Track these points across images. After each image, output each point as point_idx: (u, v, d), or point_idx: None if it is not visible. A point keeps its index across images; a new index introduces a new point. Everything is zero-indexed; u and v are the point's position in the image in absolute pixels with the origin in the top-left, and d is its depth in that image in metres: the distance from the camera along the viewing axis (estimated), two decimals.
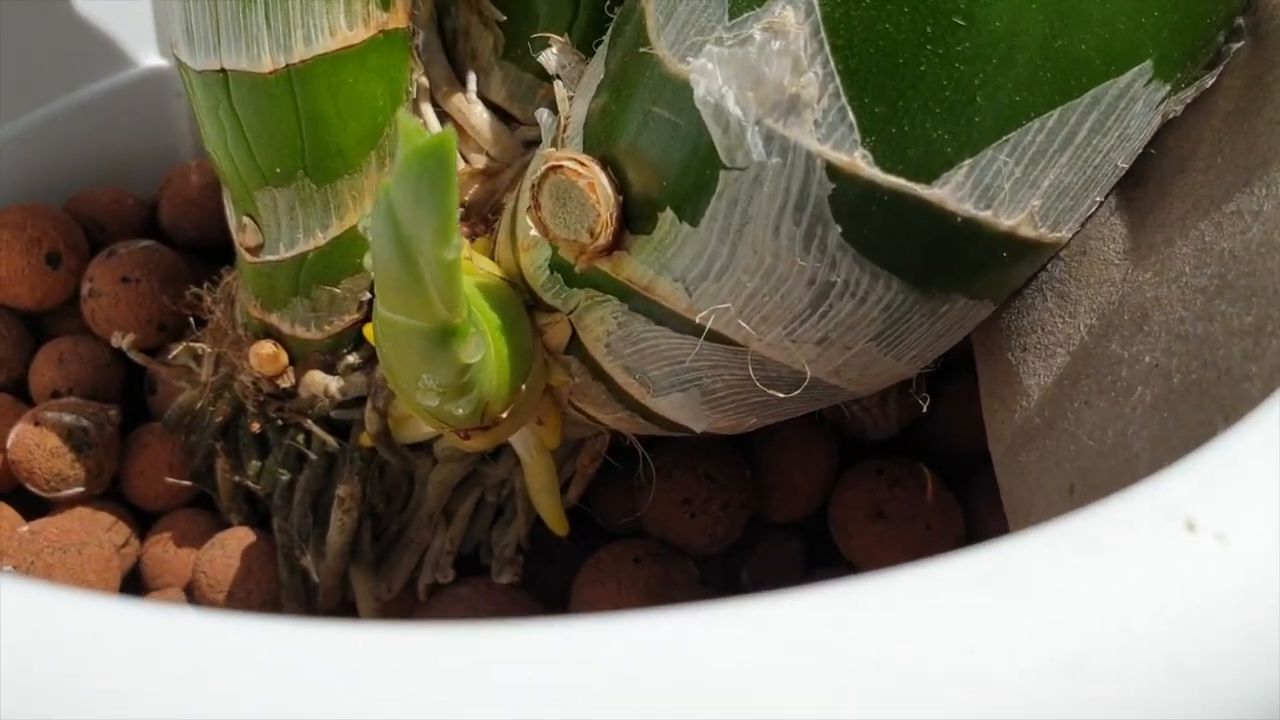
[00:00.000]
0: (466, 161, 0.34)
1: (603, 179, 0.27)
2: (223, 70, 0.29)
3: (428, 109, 0.33)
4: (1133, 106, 0.25)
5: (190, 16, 0.29)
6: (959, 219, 0.25)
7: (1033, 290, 0.29)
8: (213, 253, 0.43)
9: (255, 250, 0.32)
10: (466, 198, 0.33)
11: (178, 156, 0.47)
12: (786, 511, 0.40)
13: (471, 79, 0.33)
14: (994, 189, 0.25)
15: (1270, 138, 0.26)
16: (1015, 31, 0.23)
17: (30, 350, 0.40)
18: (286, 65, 0.28)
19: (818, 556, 0.41)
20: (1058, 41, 0.23)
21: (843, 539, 0.39)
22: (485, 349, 0.25)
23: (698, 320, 0.27)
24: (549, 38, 0.30)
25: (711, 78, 0.25)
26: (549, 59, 0.30)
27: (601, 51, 0.29)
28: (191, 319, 0.37)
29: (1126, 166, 0.26)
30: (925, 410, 0.31)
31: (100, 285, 0.39)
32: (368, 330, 0.33)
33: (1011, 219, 0.25)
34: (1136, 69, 0.24)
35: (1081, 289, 0.29)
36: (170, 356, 0.37)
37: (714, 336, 0.27)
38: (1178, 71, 0.25)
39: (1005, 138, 0.24)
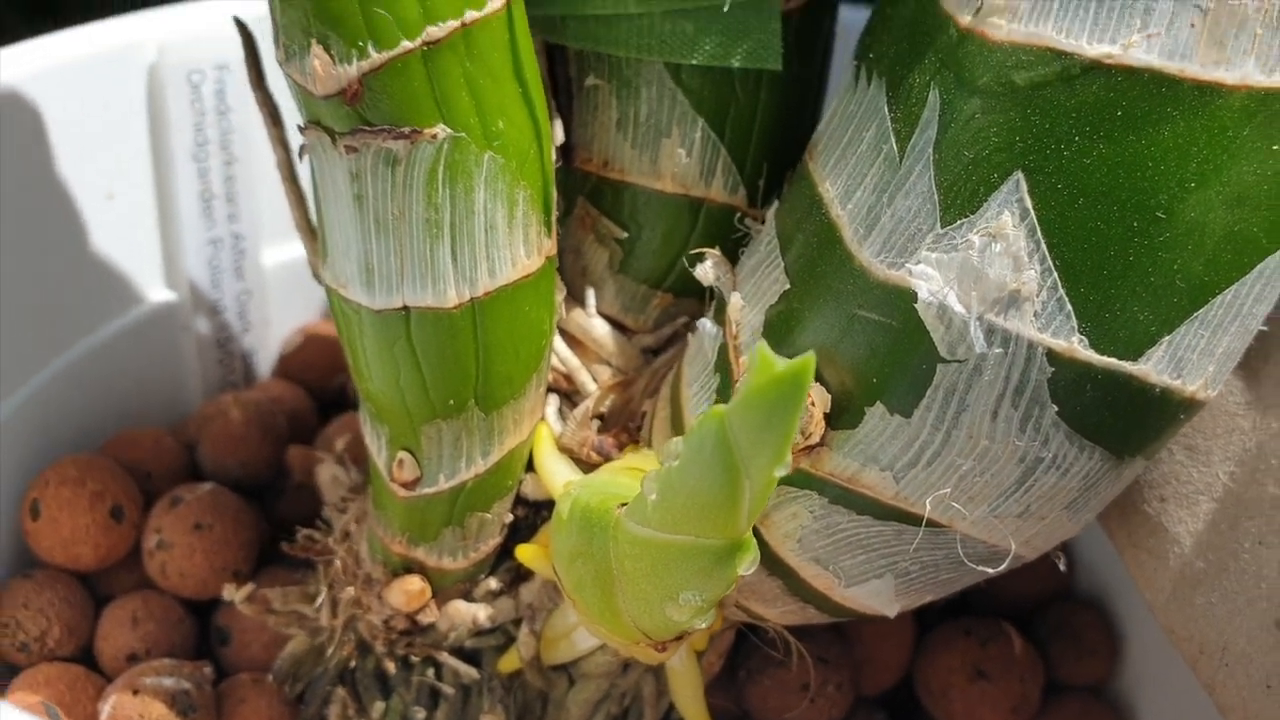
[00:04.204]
0: (594, 378, 0.34)
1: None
2: (405, 308, 0.29)
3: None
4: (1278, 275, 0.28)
5: (371, 258, 0.29)
6: (1158, 389, 0.27)
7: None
8: (254, 491, 0.41)
9: (411, 484, 0.31)
10: (604, 409, 0.34)
11: (189, 390, 0.45)
12: (878, 683, 0.41)
13: (590, 295, 0.34)
14: (1185, 360, 0.27)
15: None
16: (1205, 220, 0.26)
17: (93, 614, 0.37)
18: (471, 298, 0.29)
19: None
20: (1236, 226, 0.26)
21: (941, 703, 0.40)
22: (758, 559, 0.25)
23: (905, 505, 0.28)
24: (704, 252, 0.31)
25: (933, 281, 0.26)
26: (705, 272, 0.31)
27: (761, 262, 0.31)
28: (308, 561, 0.35)
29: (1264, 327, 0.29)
30: (1063, 568, 0.33)
31: (170, 536, 0.37)
32: (522, 552, 0.33)
33: (1193, 385, 0.28)
34: None
35: (1209, 440, 0.32)
36: (271, 600, 0.35)
37: (926, 521, 0.29)
38: None
39: (1195, 314, 0.27)
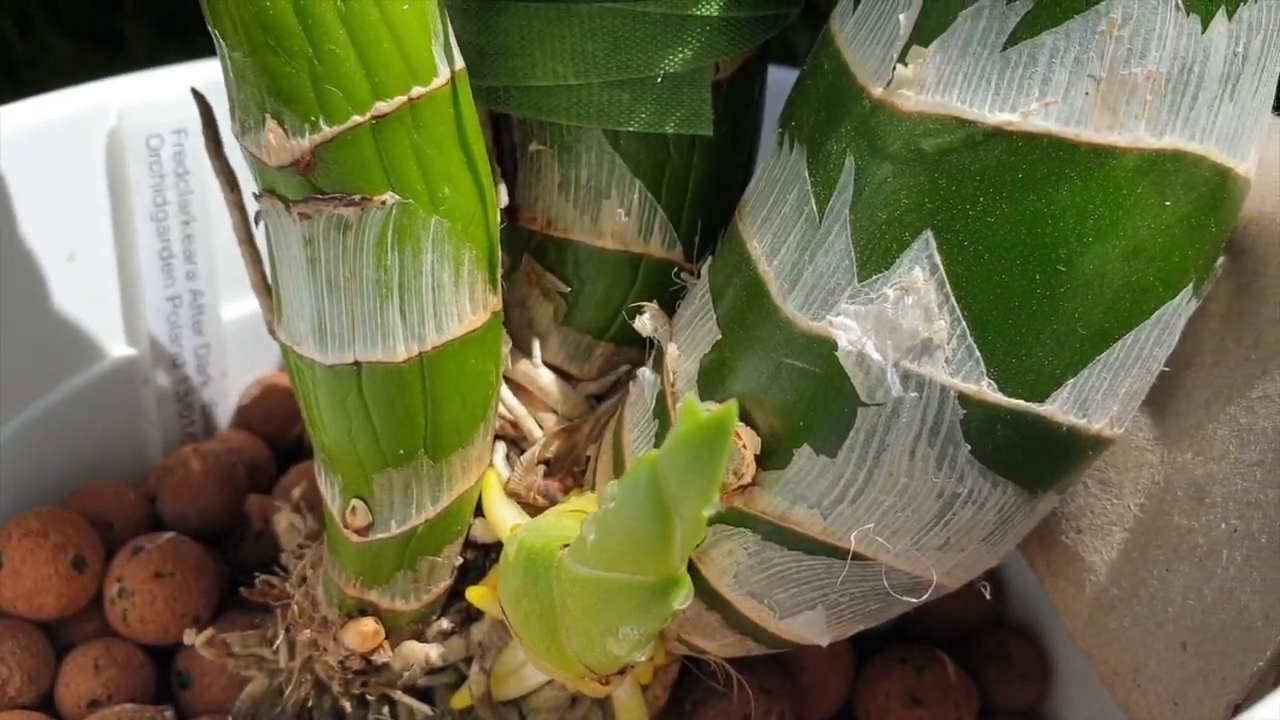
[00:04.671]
0: (539, 425, 0.36)
1: (742, 425, 0.30)
2: (355, 363, 0.30)
3: None
4: (1179, 319, 0.30)
5: (324, 316, 0.30)
6: (1064, 428, 0.29)
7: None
8: (215, 538, 0.43)
9: (364, 530, 0.33)
10: (550, 455, 0.35)
11: (151, 442, 0.47)
12: (819, 711, 0.42)
13: (536, 346, 0.36)
14: (1089, 401, 0.29)
15: (1272, 334, 0.31)
16: (1104, 271, 0.28)
17: (54, 661, 0.38)
18: (420, 353, 0.30)
19: None
20: (1133, 276, 0.28)
21: None
22: (691, 595, 0.27)
23: (832, 540, 0.30)
24: (643, 306, 0.33)
25: (851, 331, 0.28)
26: (644, 324, 0.33)
27: (695, 314, 0.32)
28: (263, 605, 0.36)
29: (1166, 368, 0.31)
30: (988, 595, 0.35)
31: (131, 584, 0.38)
32: (472, 594, 0.34)
33: (1099, 424, 0.30)
34: (1185, 289, 0.29)
35: (1121, 474, 0.34)
36: (231, 645, 0.36)
37: (844, 553, 0.30)
38: (1205, 285, 0.31)
39: (1097, 358, 0.29)
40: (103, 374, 0.45)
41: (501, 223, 0.33)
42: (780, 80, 0.37)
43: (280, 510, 0.39)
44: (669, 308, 0.34)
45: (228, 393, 0.49)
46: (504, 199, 0.34)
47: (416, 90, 0.29)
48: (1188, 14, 0.27)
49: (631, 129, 0.33)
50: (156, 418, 0.47)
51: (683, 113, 0.33)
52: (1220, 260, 0.32)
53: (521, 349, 0.36)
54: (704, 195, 0.35)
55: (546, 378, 0.36)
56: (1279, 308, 0.31)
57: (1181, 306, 0.30)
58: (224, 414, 0.49)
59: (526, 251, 0.36)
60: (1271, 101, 0.30)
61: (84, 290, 0.44)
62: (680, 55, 0.33)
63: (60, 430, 0.43)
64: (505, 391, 0.36)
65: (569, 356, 0.36)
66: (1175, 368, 0.33)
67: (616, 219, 0.35)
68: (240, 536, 0.43)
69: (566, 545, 0.28)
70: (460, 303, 0.31)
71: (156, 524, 0.43)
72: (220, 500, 0.43)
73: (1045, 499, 0.31)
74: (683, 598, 0.27)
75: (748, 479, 0.30)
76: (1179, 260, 0.29)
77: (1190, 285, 0.30)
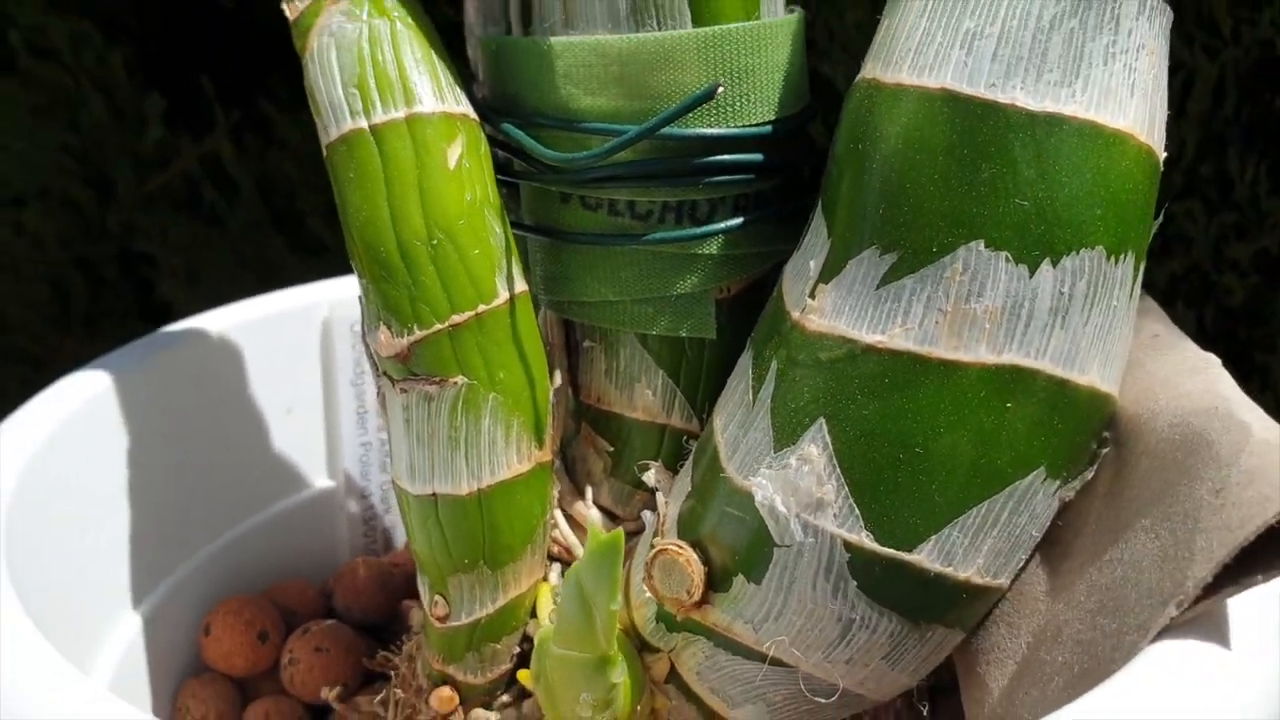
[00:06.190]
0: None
1: (694, 556, 0.40)
2: (434, 494, 0.43)
3: (559, 514, 0.47)
4: (1035, 496, 0.38)
5: (414, 460, 0.43)
6: (931, 574, 0.38)
7: (990, 621, 0.42)
8: (373, 629, 0.56)
9: (444, 619, 0.45)
10: None
11: (339, 553, 0.61)
12: None
13: (588, 491, 0.48)
14: (953, 553, 0.38)
15: (1129, 511, 0.39)
16: (955, 455, 0.37)
17: (240, 708, 0.52)
18: (478, 489, 0.43)
19: None
20: (982, 459, 0.37)
21: None
22: (625, 672, 0.38)
23: (764, 650, 0.40)
24: (648, 464, 0.44)
25: (767, 489, 0.39)
26: (649, 477, 0.44)
27: (685, 471, 0.43)
28: (386, 674, 0.49)
29: (1040, 535, 0.40)
30: (925, 713, 0.43)
31: (298, 655, 0.52)
32: (522, 675, 0.46)
33: (966, 572, 0.38)
34: (1035, 472, 0.38)
35: (1021, 619, 0.42)
36: (360, 705, 0.49)
37: (775, 661, 0.40)
38: (1065, 470, 0.39)
39: (955, 521, 0.38)
40: (308, 499, 0.59)
41: (563, 399, 0.45)
42: None
43: (412, 609, 0.52)
44: None
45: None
46: (557, 381, 0.46)
47: (482, 307, 0.42)
48: (1016, 264, 0.37)
49: (655, 333, 0.45)
50: (346, 536, 0.61)
51: (693, 322, 0.45)
52: (1105, 450, 0.40)
53: (579, 493, 0.48)
54: (714, 379, 0.46)
55: (595, 516, 0.47)
56: (1139, 491, 0.39)
57: (1036, 485, 0.38)
58: (400, 537, 0.63)
59: (584, 420, 0.48)
60: (1122, 324, 0.39)
61: (298, 436, 0.59)
62: (689, 281, 0.44)
63: (271, 539, 0.58)
64: (564, 524, 0.47)
65: (614, 501, 0.48)
66: (1069, 534, 0.41)
67: (646, 398, 0.46)
68: (395, 629, 0.56)
69: None
70: (509, 455, 0.43)
71: (330, 614, 0.56)
72: (378, 600, 0.56)
73: (935, 629, 0.40)
74: (617, 672, 0.37)
75: (697, 597, 0.40)
76: (1024, 449, 0.38)
77: (1042, 468, 0.38)
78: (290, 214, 1.11)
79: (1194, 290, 0.89)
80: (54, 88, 1.15)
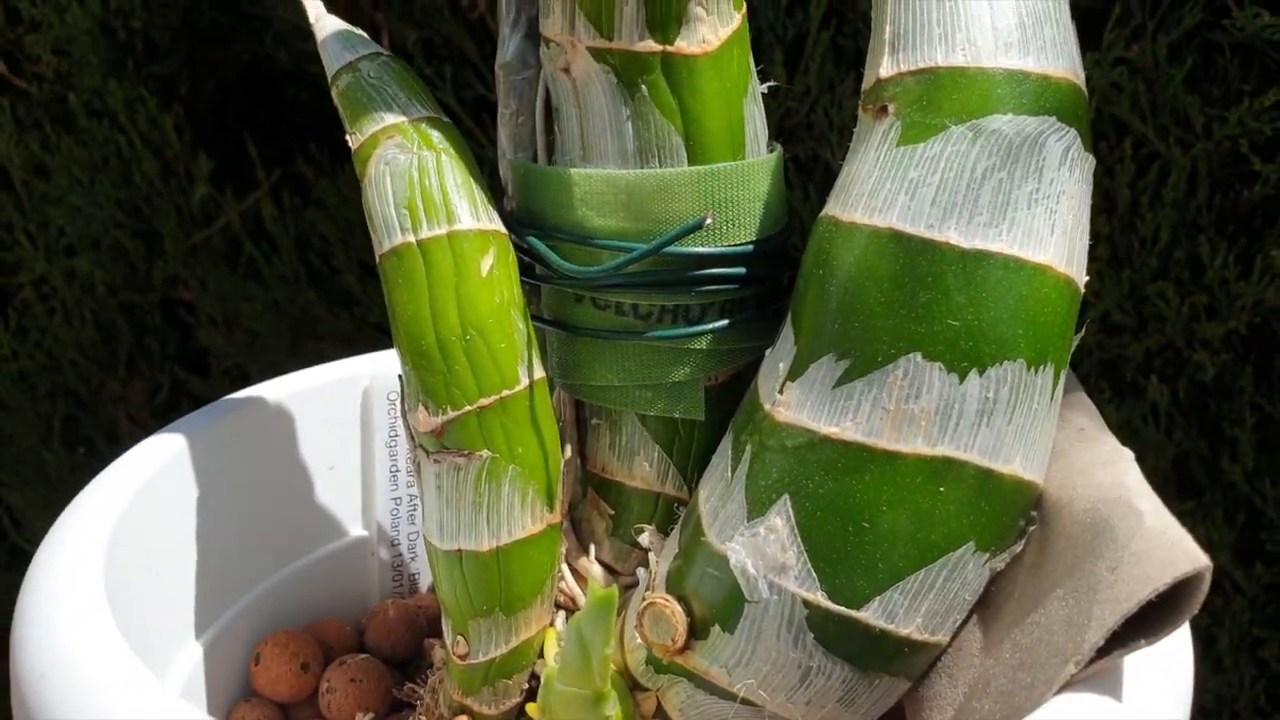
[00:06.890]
0: None
1: (679, 608, 0.47)
2: (459, 550, 0.50)
3: (566, 568, 0.54)
4: (967, 566, 0.45)
5: (443, 519, 0.50)
6: (876, 629, 0.45)
7: (934, 672, 0.49)
8: (401, 663, 0.63)
9: (464, 657, 0.52)
10: None
11: (371, 595, 0.68)
12: None
13: (592, 549, 0.55)
14: (894, 612, 0.45)
15: (1048, 581, 0.46)
16: (895, 530, 0.44)
17: None
18: (497, 546, 0.50)
19: None
20: (919, 533, 0.44)
21: None
22: (618, 706, 0.45)
23: (735, 691, 0.47)
24: (644, 527, 0.52)
25: (740, 554, 0.46)
26: (645, 539, 0.52)
27: (674, 534, 0.51)
28: (412, 703, 0.56)
29: (973, 599, 0.47)
30: None
31: (336, 684, 0.59)
32: (530, 708, 0.53)
33: (906, 629, 0.45)
34: (965, 546, 0.45)
35: (960, 671, 0.48)
36: None
37: (745, 701, 0.47)
38: (993, 545, 0.46)
39: (896, 584, 0.45)
40: (344, 547, 0.67)
41: (573, 468, 0.53)
42: None
43: (435, 647, 0.59)
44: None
45: (428, 568, 0.70)
46: (567, 453, 0.53)
47: (505, 392, 0.49)
48: (949, 372, 0.44)
49: (653, 414, 0.52)
50: (377, 580, 0.68)
51: (685, 405, 0.52)
52: (1032, 527, 0.48)
53: (584, 550, 0.55)
54: (704, 453, 0.53)
55: (598, 571, 0.55)
56: (1055, 565, 0.46)
57: (967, 556, 0.45)
58: (424, 581, 0.70)
59: (590, 486, 0.55)
60: (1044, 422, 0.46)
61: (337, 489, 0.66)
62: (683, 371, 0.52)
63: (311, 581, 0.65)
64: (570, 577, 0.55)
65: (614, 558, 0.55)
66: (1000, 598, 0.48)
67: (644, 469, 0.53)
68: (419, 664, 0.64)
69: None
70: (525, 517, 0.50)
71: (362, 649, 0.63)
72: (405, 638, 0.63)
73: (882, 678, 0.46)
74: (610, 706, 0.44)
75: (680, 644, 0.47)
76: (955, 527, 0.45)
77: (972, 543, 0.45)
78: (325, 269, 1.19)
79: (1168, 365, 0.96)
80: (109, 147, 1.24)
